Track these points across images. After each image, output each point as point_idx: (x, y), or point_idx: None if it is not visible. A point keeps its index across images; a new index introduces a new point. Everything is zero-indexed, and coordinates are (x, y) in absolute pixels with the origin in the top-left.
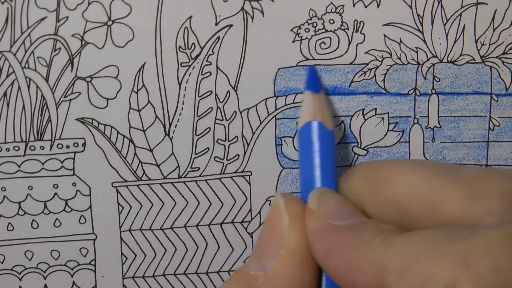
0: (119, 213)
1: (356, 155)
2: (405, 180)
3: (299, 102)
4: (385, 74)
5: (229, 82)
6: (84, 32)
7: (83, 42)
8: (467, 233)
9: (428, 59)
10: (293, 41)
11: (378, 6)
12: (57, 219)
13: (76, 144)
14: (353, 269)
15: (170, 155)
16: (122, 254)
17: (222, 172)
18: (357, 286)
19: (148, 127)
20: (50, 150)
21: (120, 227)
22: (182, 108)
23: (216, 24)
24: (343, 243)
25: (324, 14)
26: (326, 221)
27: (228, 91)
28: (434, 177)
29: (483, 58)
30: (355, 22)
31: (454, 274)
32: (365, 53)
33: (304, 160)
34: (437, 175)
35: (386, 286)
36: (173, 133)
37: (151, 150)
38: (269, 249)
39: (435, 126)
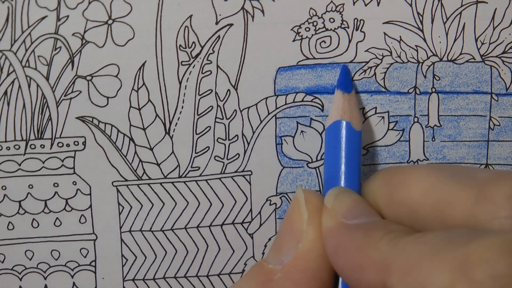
0: (120, 213)
1: None
2: (419, 183)
3: (300, 101)
4: (385, 73)
5: (230, 81)
6: (85, 31)
7: (84, 41)
8: (469, 238)
9: (428, 58)
10: (294, 40)
11: (378, 4)
12: (57, 218)
13: (76, 143)
14: (359, 268)
15: (171, 154)
16: (122, 255)
17: (222, 172)
18: (362, 285)
19: (149, 126)
20: (51, 148)
21: (121, 227)
22: (182, 107)
23: (217, 23)
24: (352, 241)
25: (325, 13)
26: (339, 219)
27: (229, 90)
28: (445, 180)
29: (483, 57)
30: (355, 20)
31: (451, 279)
32: (365, 51)
33: (330, 158)
34: (448, 178)
35: (388, 287)
36: (173, 131)
37: (151, 149)
38: (287, 243)
39: (435, 125)
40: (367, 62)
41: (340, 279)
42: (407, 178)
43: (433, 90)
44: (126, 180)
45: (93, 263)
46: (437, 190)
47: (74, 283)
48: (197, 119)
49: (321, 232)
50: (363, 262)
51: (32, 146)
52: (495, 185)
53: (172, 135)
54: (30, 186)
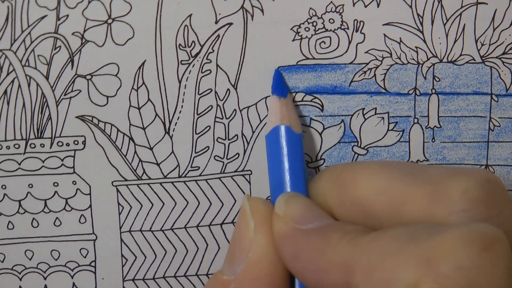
0: (119, 213)
1: (356, 155)
2: (370, 181)
3: (299, 101)
4: (385, 74)
5: (229, 80)
6: (84, 30)
7: (83, 40)
8: (430, 232)
9: (428, 59)
10: (293, 40)
11: (378, 5)
12: (57, 218)
13: (76, 142)
14: (320, 271)
15: (170, 154)
16: (122, 255)
17: (222, 171)
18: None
19: (148, 125)
20: (50, 148)
21: (120, 227)
22: (182, 106)
23: (216, 22)
24: (310, 246)
25: (324, 14)
26: (292, 225)
27: (228, 89)
28: (398, 178)
29: (483, 58)
30: (355, 21)
31: (417, 274)
32: (365, 52)
33: (273, 164)
34: (401, 176)
35: (352, 287)
36: (173, 131)
37: (151, 149)
38: (238, 253)
39: (435, 126)
40: (367, 64)
41: (297, 283)
42: (356, 176)
43: (433, 91)
44: (126, 180)
45: (93, 263)
46: (391, 188)
47: (74, 283)
48: (197, 118)
49: (271, 239)
50: (324, 265)
51: (32, 145)
52: (449, 181)
53: (172, 134)
54: (30, 186)
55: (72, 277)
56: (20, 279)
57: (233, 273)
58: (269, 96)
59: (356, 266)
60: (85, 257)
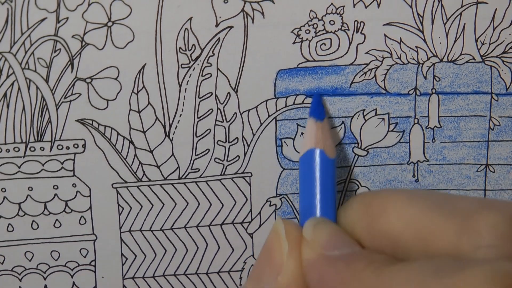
0: (119, 214)
1: (356, 156)
2: (400, 212)
3: (300, 104)
4: (385, 74)
5: (230, 84)
6: (84, 33)
7: (83, 43)
8: (455, 268)
9: (428, 59)
10: (294, 43)
11: (378, 6)
12: (57, 220)
13: (76, 145)
14: None
15: (170, 157)
16: (122, 254)
17: (222, 173)
18: None
19: (148, 129)
20: (50, 151)
21: (120, 227)
22: (182, 110)
23: (217, 25)
24: (335, 273)
25: (325, 15)
26: (319, 250)
27: (229, 93)
28: (427, 210)
29: (483, 58)
30: (356, 22)
31: None
32: (365, 53)
33: (305, 187)
34: (431, 208)
35: None
36: (173, 134)
37: (151, 151)
38: (267, 275)
39: (435, 126)
40: (367, 64)
41: None
42: (387, 207)
43: (433, 91)
44: (126, 182)
45: (92, 263)
46: (420, 220)
47: (74, 283)
48: (197, 122)
49: (301, 264)
50: None
51: (32, 149)
52: (478, 215)
53: (172, 137)
54: (30, 188)
55: (72, 276)
56: (20, 280)
57: None
58: (270, 99)
59: None
60: (85, 256)
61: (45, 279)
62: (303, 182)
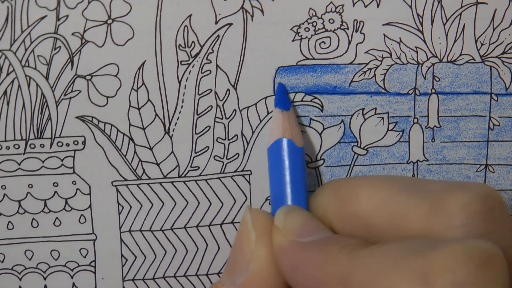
0: (119, 213)
1: (356, 155)
2: (371, 196)
3: (299, 101)
4: (385, 74)
5: (229, 81)
6: (84, 31)
7: (83, 41)
8: (427, 248)
9: (428, 59)
10: (293, 40)
11: (378, 5)
12: (57, 218)
13: (76, 142)
14: (318, 283)
15: (170, 154)
16: (122, 255)
17: (222, 171)
18: None
19: (148, 125)
20: (50, 148)
21: (120, 227)
22: (182, 106)
23: (216, 22)
24: (308, 259)
25: (324, 14)
26: (292, 237)
27: (228, 90)
28: (398, 193)
29: (483, 58)
30: (355, 21)
31: None
32: (365, 52)
33: (275, 177)
34: (401, 191)
35: None
36: (173, 131)
37: (151, 149)
38: (239, 264)
39: (435, 126)
40: (367, 64)
41: None
42: (357, 191)
43: (433, 91)
44: (126, 180)
45: (92, 263)
46: (390, 203)
47: (73, 284)
48: (197, 118)
49: (271, 251)
50: (322, 278)
51: (32, 146)
52: (448, 196)
53: (172, 134)
54: (30, 186)
55: (72, 277)
56: (20, 279)
57: (232, 283)
58: (269, 96)
59: (353, 279)
60: (85, 257)
61: (45, 279)
62: (273, 172)
